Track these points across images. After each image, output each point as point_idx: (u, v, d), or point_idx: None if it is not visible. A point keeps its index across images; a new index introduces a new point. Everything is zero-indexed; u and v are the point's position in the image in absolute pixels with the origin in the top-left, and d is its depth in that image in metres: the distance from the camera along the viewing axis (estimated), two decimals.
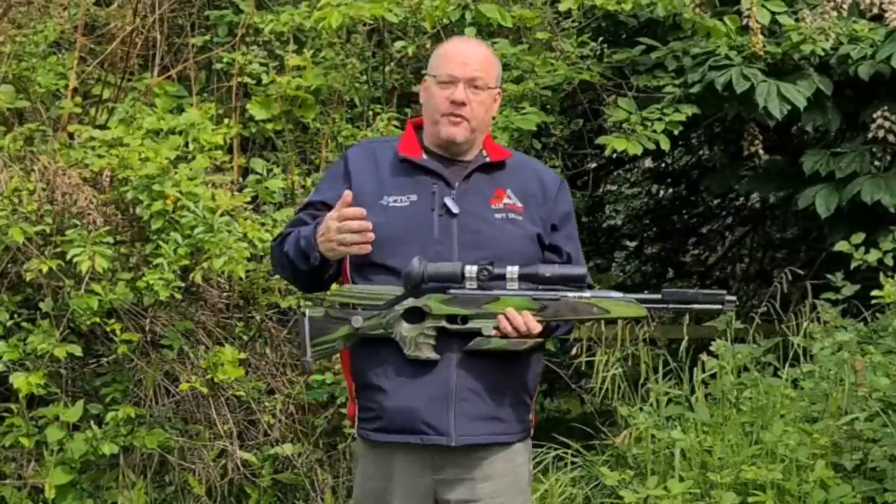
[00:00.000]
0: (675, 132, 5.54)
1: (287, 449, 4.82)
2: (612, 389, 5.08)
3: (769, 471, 4.27)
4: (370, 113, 5.44)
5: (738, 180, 6.70)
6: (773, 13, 5.65)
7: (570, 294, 2.81)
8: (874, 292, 4.95)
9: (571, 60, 5.56)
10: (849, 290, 5.36)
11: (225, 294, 5.01)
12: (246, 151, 5.48)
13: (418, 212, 2.88)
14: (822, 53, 5.62)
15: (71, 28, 5.32)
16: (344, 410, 4.86)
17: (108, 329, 4.55)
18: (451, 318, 2.82)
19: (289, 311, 4.99)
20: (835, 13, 5.71)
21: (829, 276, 5.47)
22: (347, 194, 2.79)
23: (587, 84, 5.70)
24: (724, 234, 9.23)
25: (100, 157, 4.63)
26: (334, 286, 2.98)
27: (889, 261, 5.34)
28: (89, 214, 4.49)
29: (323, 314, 2.88)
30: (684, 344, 5.07)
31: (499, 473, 2.92)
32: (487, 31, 5.57)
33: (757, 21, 5.56)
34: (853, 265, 5.40)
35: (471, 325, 2.81)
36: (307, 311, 2.89)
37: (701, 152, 8.31)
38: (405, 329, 2.82)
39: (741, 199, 8.66)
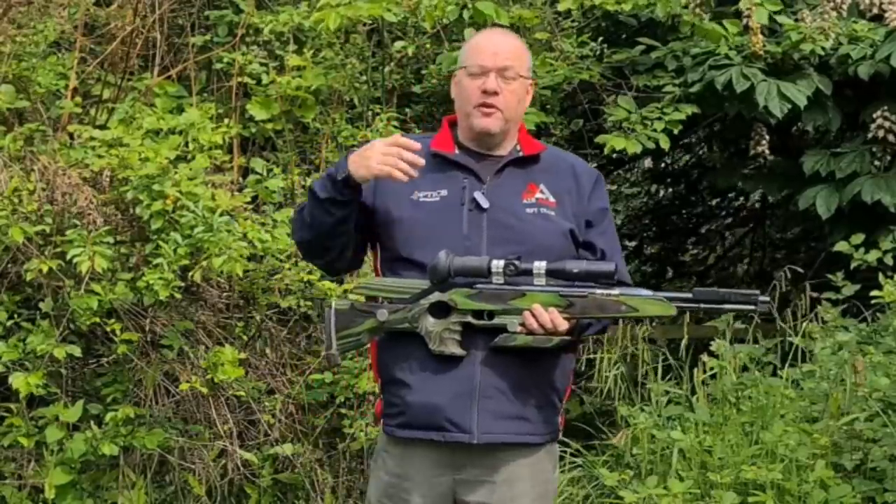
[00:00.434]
0: (675, 131, 5.54)
1: (287, 449, 4.82)
2: (612, 389, 5.08)
3: (769, 471, 4.27)
4: (370, 113, 5.44)
5: (742, 178, 6.69)
6: (771, 13, 5.64)
7: (598, 291, 2.75)
8: (874, 292, 4.96)
9: (571, 60, 5.56)
10: (849, 290, 5.36)
11: (225, 294, 5.01)
12: (246, 151, 5.48)
13: (448, 206, 2.83)
14: (822, 53, 5.63)
15: (71, 28, 5.32)
16: (344, 410, 4.87)
17: (108, 329, 4.55)
18: (477, 314, 2.77)
19: (289, 311, 4.99)
20: (834, 13, 5.71)
21: (829, 276, 5.47)
22: (414, 144, 2.74)
23: (587, 84, 5.71)
24: (723, 234, 9.23)
25: (100, 157, 4.63)
26: (360, 279, 2.94)
27: (889, 261, 5.34)
28: (89, 214, 4.49)
29: (349, 307, 2.86)
30: (684, 343, 5.08)
31: (520, 477, 2.86)
32: None
33: (755, 21, 5.56)
34: (853, 265, 5.40)
35: (497, 320, 2.76)
36: (333, 304, 2.87)
37: (701, 152, 8.31)
38: (430, 324, 2.78)
39: (741, 198, 8.66)
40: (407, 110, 5.77)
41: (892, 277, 5.00)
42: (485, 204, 2.84)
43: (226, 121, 5.05)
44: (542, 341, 2.76)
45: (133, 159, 4.54)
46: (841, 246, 5.44)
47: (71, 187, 4.52)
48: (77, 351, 4.51)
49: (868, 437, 4.49)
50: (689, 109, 5.57)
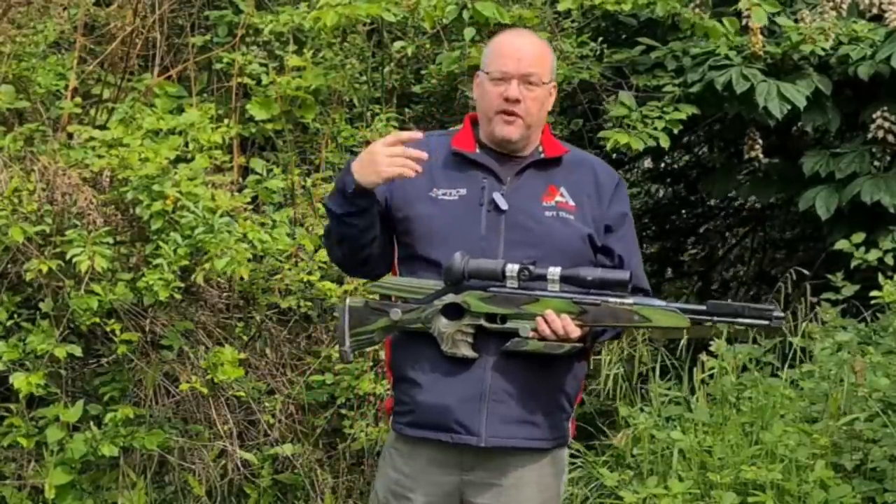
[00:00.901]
0: (675, 131, 5.54)
1: (287, 449, 4.82)
2: (612, 389, 5.08)
3: (769, 471, 4.27)
4: (370, 113, 5.44)
5: (738, 185, 6.69)
6: (770, 14, 5.64)
7: (612, 299, 2.73)
8: (874, 293, 4.96)
9: (571, 60, 5.56)
10: (849, 290, 5.36)
11: (225, 294, 5.01)
12: (246, 152, 5.48)
13: (466, 206, 2.83)
14: (822, 53, 5.63)
15: (71, 28, 5.32)
16: (344, 411, 4.87)
17: (107, 329, 4.55)
18: (490, 317, 2.77)
19: (289, 311, 4.99)
20: (834, 13, 5.71)
21: (829, 276, 5.47)
22: (413, 134, 2.75)
23: (587, 84, 5.70)
24: (723, 234, 9.22)
25: (100, 157, 4.63)
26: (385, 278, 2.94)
27: (889, 261, 5.34)
28: (89, 214, 4.49)
29: (363, 304, 2.87)
30: (684, 343, 5.08)
31: (528, 481, 2.86)
32: (487, 32, 5.56)
33: (755, 22, 5.56)
34: (853, 265, 5.40)
35: (509, 325, 2.76)
36: (347, 301, 2.88)
37: (700, 152, 8.31)
38: (443, 325, 2.78)
39: (741, 199, 8.66)
40: (407, 110, 5.77)
41: (891, 277, 5.00)
42: (503, 205, 2.83)
43: (226, 121, 5.05)
44: (554, 347, 2.75)
45: (133, 159, 4.54)
46: (841, 244, 5.44)
47: (71, 187, 4.52)
48: (77, 351, 4.51)
49: (868, 438, 4.49)
50: (689, 109, 5.57)
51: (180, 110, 5.12)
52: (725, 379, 4.85)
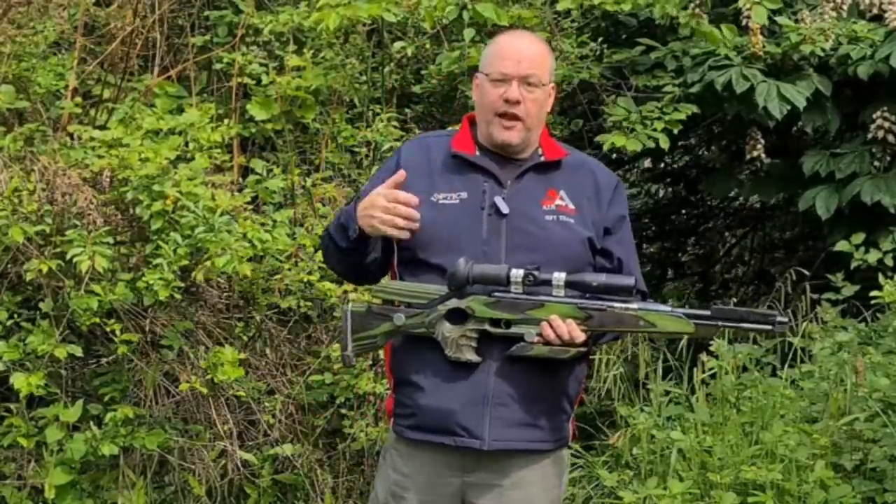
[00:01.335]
0: (675, 131, 5.54)
1: (287, 449, 4.82)
2: (612, 389, 5.08)
3: (769, 471, 4.27)
4: (370, 113, 5.44)
5: (738, 184, 6.69)
6: (771, 12, 5.64)
7: (617, 305, 2.75)
8: (874, 293, 4.96)
9: (571, 60, 5.56)
10: (849, 290, 5.36)
11: (225, 294, 5.01)
12: (246, 151, 5.48)
13: (467, 210, 2.83)
14: (822, 54, 5.63)
15: (71, 28, 5.32)
16: (344, 411, 4.87)
17: (107, 329, 4.55)
18: (494, 322, 2.78)
19: (289, 311, 4.99)
20: (834, 13, 5.71)
21: (829, 276, 5.47)
22: (401, 174, 2.77)
23: (587, 84, 5.70)
24: (723, 234, 9.22)
25: (100, 157, 4.63)
26: (383, 280, 2.95)
27: (889, 261, 5.34)
28: (89, 214, 4.49)
29: (365, 309, 2.87)
30: (684, 343, 5.07)
31: (530, 482, 2.87)
32: (486, 32, 5.56)
33: (755, 22, 5.56)
34: (853, 265, 5.40)
35: (513, 329, 2.77)
36: (350, 305, 2.89)
37: (700, 153, 8.31)
38: (447, 329, 2.78)
39: (741, 198, 8.65)
40: (407, 110, 5.77)
41: (891, 278, 5.00)
42: (505, 209, 2.83)
43: (226, 121, 5.05)
44: (559, 352, 2.76)
45: (133, 159, 4.54)
46: (842, 245, 5.44)
47: (71, 187, 4.51)
48: (78, 351, 4.51)
49: (868, 438, 4.49)
50: (689, 109, 5.57)
51: (180, 110, 5.12)
52: (725, 379, 4.85)
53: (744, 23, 5.66)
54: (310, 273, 4.79)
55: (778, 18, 5.74)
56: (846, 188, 5.74)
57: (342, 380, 4.82)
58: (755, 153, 6.11)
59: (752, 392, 4.79)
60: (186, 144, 4.81)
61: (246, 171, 5.31)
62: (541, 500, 2.90)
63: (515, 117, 2.83)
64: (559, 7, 5.50)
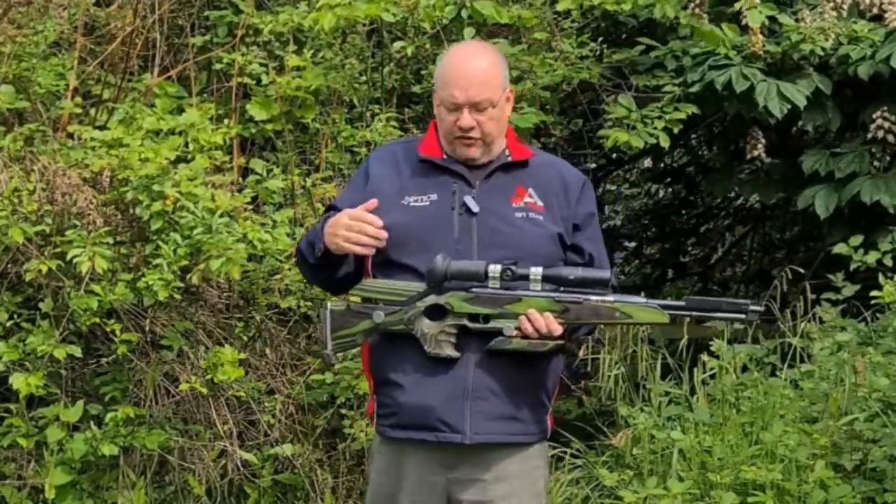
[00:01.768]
0: (675, 130, 5.54)
1: (287, 449, 4.82)
2: (612, 389, 5.08)
3: (769, 471, 4.27)
4: (370, 113, 5.44)
5: (739, 183, 6.70)
6: (771, 13, 5.64)
7: (593, 297, 2.80)
8: (874, 293, 4.96)
9: (571, 60, 5.56)
10: (849, 290, 5.36)
11: (225, 294, 5.01)
12: (246, 152, 5.48)
13: (438, 211, 2.88)
14: (822, 53, 5.63)
15: (71, 28, 5.32)
16: (344, 411, 4.87)
17: (107, 329, 4.55)
18: (473, 317, 2.82)
19: (288, 311, 4.99)
20: (834, 13, 5.71)
21: (829, 276, 5.47)
22: (373, 203, 2.82)
23: (586, 84, 5.70)
24: (723, 234, 9.23)
25: (100, 157, 4.63)
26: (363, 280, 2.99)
27: (888, 261, 5.34)
28: (89, 215, 4.49)
29: (345, 308, 2.90)
30: (683, 342, 5.07)
31: (512, 475, 2.91)
32: (486, 32, 5.57)
33: (754, 22, 5.56)
34: (853, 266, 5.40)
35: (492, 324, 2.81)
36: (329, 304, 2.92)
37: (700, 152, 8.31)
38: (426, 326, 2.82)
39: (741, 199, 8.66)
40: (406, 110, 5.77)
41: (891, 278, 5.00)
42: (475, 208, 2.88)
43: (226, 121, 5.05)
44: (537, 346, 2.81)
45: (133, 160, 4.54)
46: (840, 248, 5.44)
47: (71, 187, 4.52)
48: (78, 351, 4.51)
49: (868, 437, 4.49)
50: (689, 109, 5.57)
51: (180, 110, 5.12)
52: (725, 379, 4.85)
53: (743, 22, 5.66)
54: None
55: (778, 17, 5.74)
56: (846, 188, 5.74)
57: (342, 380, 4.81)
58: (756, 152, 6.12)
59: (752, 392, 4.79)
60: (186, 145, 4.81)
61: (246, 171, 5.31)
62: (524, 492, 2.94)
63: (473, 138, 2.88)
64: (559, 7, 5.49)
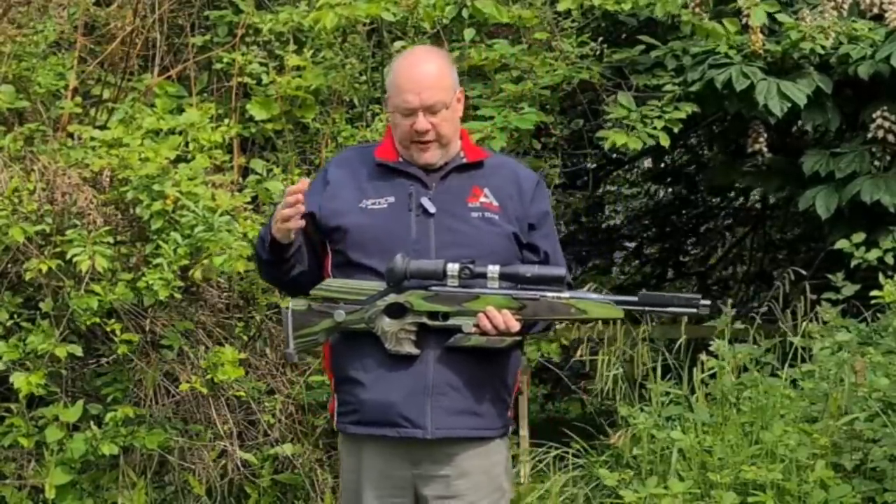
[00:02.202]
0: (676, 130, 5.54)
1: (287, 449, 4.83)
2: (612, 389, 5.07)
3: (769, 471, 4.27)
4: (369, 113, 5.44)
5: (740, 175, 6.70)
6: (771, 12, 5.64)
7: (549, 294, 2.87)
8: (874, 292, 4.96)
9: (571, 60, 5.55)
10: (849, 290, 5.36)
11: (225, 294, 5.01)
12: (246, 151, 5.48)
13: (396, 212, 2.94)
14: (822, 52, 5.62)
15: (71, 28, 5.32)
16: None
17: (108, 329, 4.55)
18: (432, 315, 2.88)
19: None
20: (835, 12, 5.71)
21: (829, 276, 5.47)
22: (304, 182, 2.86)
23: (587, 84, 5.70)
24: (723, 234, 9.23)
25: (100, 157, 4.63)
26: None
27: (889, 260, 5.34)
28: (89, 214, 4.49)
29: (306, 307, 2.95)
30: (682, 342, 5.07)
31: (475, 470, 2.96)
32: (486, 32, 5.57)
33: (755, 21, 5.55)
34: (853, 265, 5.40)
35: (451, 321, 2.87)
36: (290, 304, 2.97)
37: (700, 152, 8.31)
38: (387, 324, 2.88)
39: (741, 198, 8.66)
40: None
41: (892, 277, 5.00)
42: (432, 209, 2.94)
43: (226, 121, 5.05)
44: (495, 342, 2.87)
45: (133, 159, 4.54)
46: (842, 244, 5.44)
47: (71, 187, 4.52)
48: (78, 351, 4.51)
49: (868, 437, 4.49)
50: (689, 108, 5.56)
51: (180, 110, 5.12)
52: (725, 379, 4.85)
53: (744, 21, 5.65)
54: None
55: (778, 16, 5.74)
56: (846, 188, 5.74)
57: None
58: (757, 146, 6.12)
59: (752, 392, 4.79)
60: (186, 144, 4.81)
61: (246, 171, 5.30)
62: (486, 487, 2.98)
63: (429, 141, 2.94)
64: (559, 7, 5.49)
